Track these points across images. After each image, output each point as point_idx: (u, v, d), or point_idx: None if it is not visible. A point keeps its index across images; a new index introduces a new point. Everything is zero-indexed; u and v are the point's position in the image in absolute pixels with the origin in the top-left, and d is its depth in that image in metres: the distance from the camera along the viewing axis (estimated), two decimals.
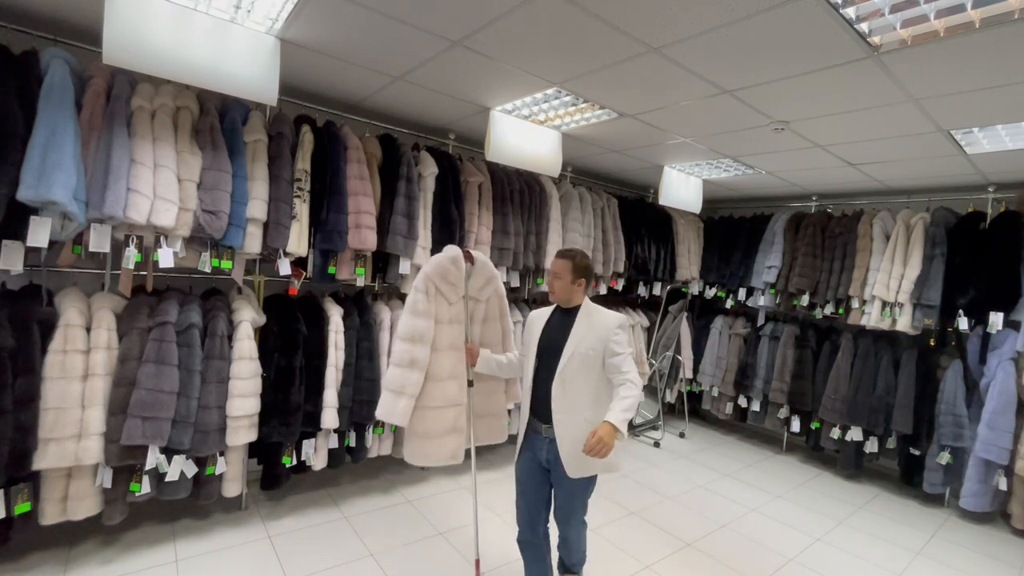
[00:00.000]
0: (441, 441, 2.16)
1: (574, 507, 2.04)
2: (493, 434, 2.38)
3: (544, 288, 3.91)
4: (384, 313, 3.18)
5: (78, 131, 2.10)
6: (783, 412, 4.44)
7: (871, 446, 3.90)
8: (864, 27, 1.87)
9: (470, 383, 2.27)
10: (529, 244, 3.72)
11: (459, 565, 2.58)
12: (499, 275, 2.41)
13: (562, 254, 2.07)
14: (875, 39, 1.93)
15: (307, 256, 2.81)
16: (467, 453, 2.26)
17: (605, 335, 1.93)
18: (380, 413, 2.13)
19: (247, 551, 2.54)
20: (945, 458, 3.52)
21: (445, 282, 2.20)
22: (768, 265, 4.55)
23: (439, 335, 2.18)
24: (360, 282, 3.00)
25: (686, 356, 5.09)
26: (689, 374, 5.12)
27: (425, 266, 2.21)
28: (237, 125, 2.57)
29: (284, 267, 2.67)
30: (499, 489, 3.43)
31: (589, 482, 2.02)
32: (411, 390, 2.10)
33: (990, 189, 3.76)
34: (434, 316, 2.16)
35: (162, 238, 2.33)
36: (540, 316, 2.12)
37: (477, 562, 2.17)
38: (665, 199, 4.25)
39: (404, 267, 3.08)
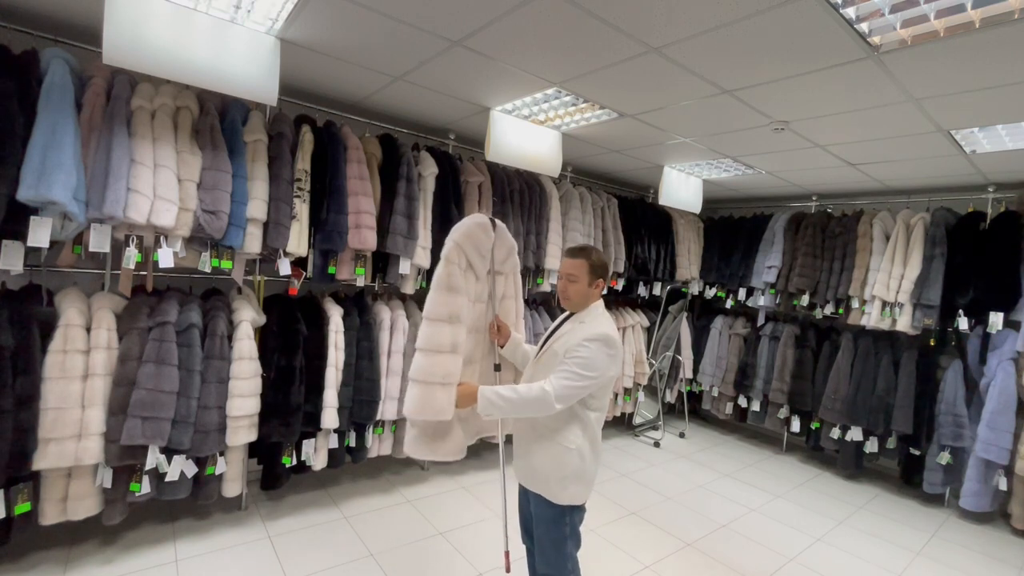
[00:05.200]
0: (451, 432, 1.86)
1: (541, 541, 1.80)
2: (494, 424, 2.06)
3: (545, 288, 3.91)
4: (384, 313, 3.18)
5: (78, 131, 2.10)
6: (783, 412, 4.44)
7: (871, 446, 3.90)
8: (864, 27, 1.86)
9: (497, 367, 2.02)
10: (529, 244, 3.72)
11: (459, 565, 2.58)
12: (516, 245, 2.11)
13: (575, 252, 1.82)
14: (875, 39, 1.93)
15: (307, 256, 2.81)
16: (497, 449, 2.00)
17: (574, 343, 1.69)
18: (416, 411, 1.75)
19: (247, 551, 2.54)
20: (945, 458, 3.52)
21: (477, 253, 1.89)
22: (768, 265, 4.55)
23: (465, 316, 1.87)
24: (360, 282, 3.00)
25: (686, 356, 5.09)
26: (689, 374, 5.13)
27: (453, 234, 1.87)
28: (237, 125, 2.57)
29: (284, 267, 2.67)
30: (498, 489, 3.43)
31: (552, 516, 1.76)
32: (454, 379, 1.78)
33: (990, 189, 3.76)
34: (465, 293, 1.86)
35: (162, 238, 2.33)
36: (559, 320, 1.98)
37: (507, 554, 1.99)
38: (665, 199, 4.25)
39: (404, 267, 3.08)
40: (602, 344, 1.67)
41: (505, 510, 1.97)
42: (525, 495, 1.93)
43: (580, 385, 1.64)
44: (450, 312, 1.80)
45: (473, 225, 1.88)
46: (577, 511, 1.80)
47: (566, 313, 1.92)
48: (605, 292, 4.32)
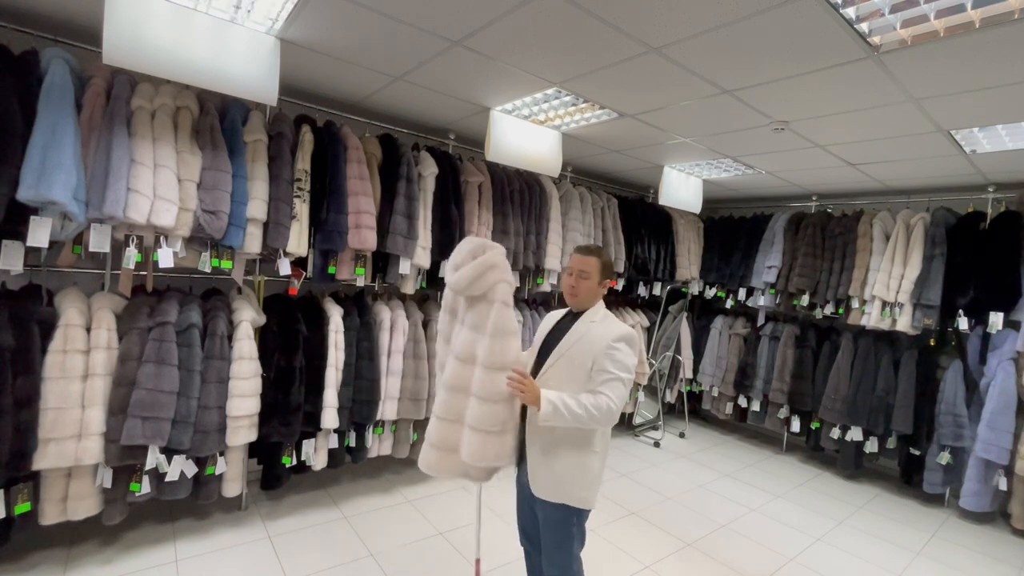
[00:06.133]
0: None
1: (548, 543, 1.80)
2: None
3: (545, 288, 3.91)
4: (384, 313, 3.17)
5: (78, 131, 2.10)
6: (783, 412, 4.44)
7: (871, 446, 3.90)
8: (864, 27, 1.86)
9: None
10: (529, 244, 3.72)
11: (459, 565, 2.58)
12: None
13: (588, 250, 1.83)
14: (875, 39, 1.93)
15: (307, 256, 2.81)
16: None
17: (601, 347, 1.68)
18: (479, 457, 1.68)
19: (247, 551, 2.54)
20: (945, 458, 3.52)
21: None
22: (768, 265, 4.55)
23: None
24: (360, 282, 3.00)
25: (686, 356, 5.10)
26: (689, 374, 5.13)
27: (506, 273, 1.77)
28: (237, 125, 2.57)
29: (284, 267, 2.67)
30: (499, 489, 3.43)
31: (561, 518, 1.75)
32: (513, 424, 1.73)
33: (990, 189, 3.76)
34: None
35: (162, 238, 2.32)
36: (552, 317, 1.95)
37: (477, 561, 2.06)
38: (665, 199, 4.25)
39: (404, 267, 3.07)
40: (627, 344, 1.71)
41: (479, 518, 2.04)
42: (527, 499, 1.90)
43: (626, 387, 1.68)
44: (516, 358, 1.74)
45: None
46: (585, 512, 1.81)
47: (563, 312, 1.92)
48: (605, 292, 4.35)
